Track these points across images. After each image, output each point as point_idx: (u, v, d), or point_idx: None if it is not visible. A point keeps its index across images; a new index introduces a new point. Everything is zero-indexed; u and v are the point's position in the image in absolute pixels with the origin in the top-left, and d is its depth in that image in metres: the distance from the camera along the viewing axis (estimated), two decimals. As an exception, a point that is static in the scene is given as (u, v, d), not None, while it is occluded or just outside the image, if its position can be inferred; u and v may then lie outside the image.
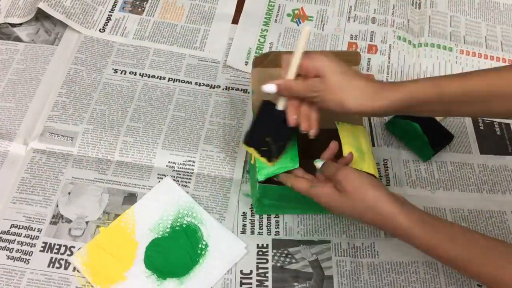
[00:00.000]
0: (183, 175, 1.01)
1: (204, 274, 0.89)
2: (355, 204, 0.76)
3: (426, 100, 0.77)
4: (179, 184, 0.99)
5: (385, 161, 1.06)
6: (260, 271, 0.92)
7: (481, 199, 1.04)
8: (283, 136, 0.84)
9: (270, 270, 0.92)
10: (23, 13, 1.22)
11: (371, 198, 0.75)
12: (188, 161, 1.03)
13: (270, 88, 0.79)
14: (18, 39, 1.19)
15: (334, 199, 0.78)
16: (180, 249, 0.91)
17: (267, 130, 0.84)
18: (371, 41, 1.25)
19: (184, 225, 0.94)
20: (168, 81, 1.14)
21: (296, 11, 1.30)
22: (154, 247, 0.91)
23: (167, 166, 1.02)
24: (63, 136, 1.04)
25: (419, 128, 1.06)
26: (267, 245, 0.94)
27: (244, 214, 0.98)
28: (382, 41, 1.25)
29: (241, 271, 0.91)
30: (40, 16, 1.21)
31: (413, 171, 1.06)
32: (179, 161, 1.02)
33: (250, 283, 0.90)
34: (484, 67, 1.23)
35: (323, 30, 1.26)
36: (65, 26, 1.21)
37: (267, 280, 0.91)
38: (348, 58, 0.94)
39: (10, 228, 0.93)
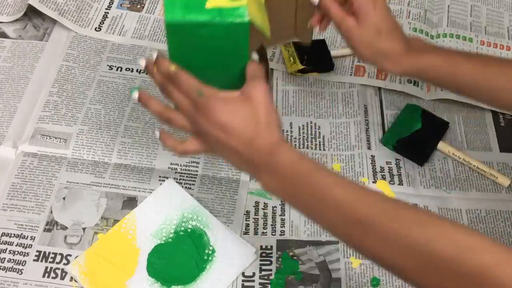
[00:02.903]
0: (187, 176, 1.03)
1: (212, 281, 0.91)
2: (251, 116, 0.76)
3: (441, 77, 0.90)
4: (182, 187, 1.01)
5: (397, 160, 1.09)
6: (263, 273, 0.94)
7: (499, 199, 1.06)
8: None
9: (273, 273, 0.94)
10: (12, 11, 1.25)
11: (271, 115, 0.77)
12: (191, 162, 1.05)
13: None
14: (4, 35, 1.22)
15: (223, 111, 0.77)
16: (185, 255, 0.93)
17: None
18: (386, 33, 1.28)
19: (189, 230, 0.96)
20: (168, 77, 1.17)
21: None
22: (157, 253, 0.93)
23: (169, 168, 1.04)
24: (55, 138, 1.06)
25: (416, 129, 1.12)
26: (271, 246, 0.97)
27: (248, 213, 1.00)
28: (397, 33, 1.28)
29: (243, 274, 0.93)
30: (28, 10, 1.23)
31: (427, 170, 1.08)
32: (182, 162, 1.05)
33: (253, 286, 0.93)
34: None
35: (333, 21, 1.29)
36: (55, 20, 1.23)
37: (270, 283, 0.93)
38: None
39: (1, 236, 0.95)
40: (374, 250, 0.70)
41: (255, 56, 0.84)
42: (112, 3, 1.29)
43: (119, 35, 1.24)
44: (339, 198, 0.71)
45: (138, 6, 1.29)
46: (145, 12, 1.28)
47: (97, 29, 1.24)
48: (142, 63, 0.83)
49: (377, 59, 0.91)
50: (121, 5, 1.29)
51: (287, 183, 0.75)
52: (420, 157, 1.09)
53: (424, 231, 0.66)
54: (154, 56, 0.82)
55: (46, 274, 0.92)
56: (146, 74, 0.85)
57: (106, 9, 1.28)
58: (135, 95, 0.84)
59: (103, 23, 1.25)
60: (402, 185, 1.06)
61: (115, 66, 1.18)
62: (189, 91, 0.79)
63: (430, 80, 0.95)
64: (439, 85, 0.91)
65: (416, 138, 1.10)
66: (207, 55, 0.81)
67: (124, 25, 1.25)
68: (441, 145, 1.09)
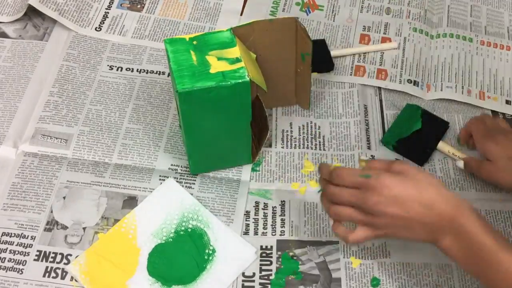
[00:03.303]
0: (187, 176, 1.04)
1: (212, 280, 0.92)
2: (420, 184, 0.79)
3: None
4: (182, 186, 1.02)
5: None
6: (264, 273, 0.94)
7: (499, 199, 1.06)
8: None
9: (274, 273, 0.94)
10: (12, 11, 1.26)
11: (437, 182, 0.81)
12: (192, 162, 1.06)
13: (459, 165, 1.07)
14: (4, 35, 1.23)
15: (395, 184, 0.79)
16: (185, 255, 0.94)
17: None
18: (385, 34, 1.28)
19: (190, 229, 0.96)
20: (168, 76, 1.17)
21: (306, 0, 1.33)
22: (157, 253, 0.94)
23: (169, 169, 1.05)
24: (56, 138, 1.07)
25: (416, 129, 1.12)
26: (271, 246, 0.97)
27: (248, 213, 1.01)
28: (396, 33, 1.28)
29: (243, 274, 0.94)
30: (28, 10, 1.24)
31: (427, 170, 1.08)
32: (182, 164, 1.05)
33: (253, 286, 0.93)
34: (506, 59, 1.27)
35: (334, 20, 1.30)
36: (55, 20, 1.24)
37: (270, 284, 0.93)
38: (283, 27, 1.02)
39: (1, 236, 0.96)
40: None
41: None
42: (112, 3, 1.30)
43: (119, 35, 1.24)
44: None
45: (138, 6, 1.30)
46: (145, 12, 1.29)
47: (97, 29, 1.25)
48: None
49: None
50: (121, 5, 1.30)
51: (472, 254, 0.78)
52: (420, 157, 1.09)
53: None
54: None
55: (47, 274, 0.92)
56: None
57: (106, 9, 1.28)
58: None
59: (103, 23, 1.26)
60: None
61: (116, 66, 1.18)
62: (355, 178, 0.82)
63: None
64: None
65: (416, 138, 1.10)
66: (215, 114, 0.93)
67: (124, 25, 1.26)
68: (441, 145, 1.10)
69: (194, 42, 0.94)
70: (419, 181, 0.80)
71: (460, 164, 1.06)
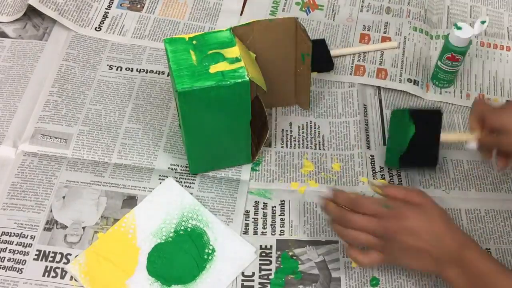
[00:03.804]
0: (187, 176, 1.04)
1: (212, 280, 0.92)
2: (434, 218, 0.86)
3: None
4: (182, 185, 1.02)
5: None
6: (263, 273, 0.95)
7: (499, 199, 1.07)
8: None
9: (273, 272, 0.95)
10: (12, 11, 1.26)
11: (447, 217, 0.88)
12: (191, 162, 1.06)
13: (472, 146, 0.99)
14: (4, 35, 1.23)
15: (413, 216, 0.86)
16: (185, 255, 0.94)
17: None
18: (385, 33, 1.29)
19: (189, 229, 0.97)
20: (168, 75, 1.18)
21: (306, 0, 1.34)
22: (157, 253, 0.94)
23: (169, 168, 1.05)
24: (56, 138, 1.07)
25: (411, 134, 1.02)
26: (271, 246, 0.98)
27: (247, 212, 1.01)
28: (396, 32, 1.29)
29: (242, 273, 0.94)
30: (28, 10, 1.24)
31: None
32: (182, 164, 1.06)
33: (252, 286, 0.93)
34: (506, 60, 1.27)
35: (333, 20, 1.30)
36: (54, 19, 1.24)
37: (270, 283, 0.94)
38: (283, 27, 1.03)
39: (1, 235, 0.96)
40: None
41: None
42: (112, 3, 1.30)
43: (119, 35, 1.25)
44: None
45: (138, 6, 1.30)
46: (145, 12, 1.29)
47: (97, 29, 1.25)
48: (321, 203, 0.92)
49: None
50: (121, 5, 1.30)
51: (475, 282, 0.83)
52: (429, 162, 1.05)
53: None
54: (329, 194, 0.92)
55: (46, 273, 0.93)
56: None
57: (106, 9, 1.29)
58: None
59: (103, 23, 1.26)
60: (402, 184, 1.07)
61: (115, 66, 1.19)
62: (376, 207, 0.87)
63: None
64: None
65: (416, 145, 1.01)
66: (215, 114, 0.94)
67: (124, 25, 1.26)
68: (444, 137, 1.03)
69: (194, 42, 0.95)
70: (432, 214, 0.86)
71: (473, 145, 0.99)
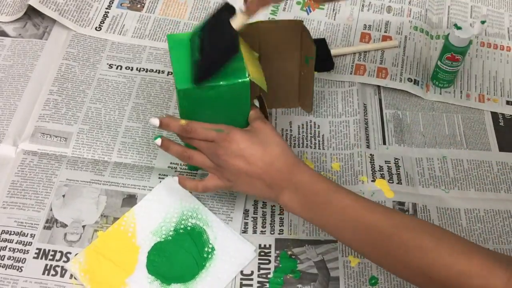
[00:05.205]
0: (186, 175, 1.05)
1: (212, 278, 0.93)
2: (267, 143, 0.87)
3: None
4: (182, 184, 1.03)
5: (396, 160, 1.10)
6: (262, 272, 0.95)
7: (498, 199, 1.07)
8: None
9: (272, 272, 0.95)
10: (12, 11, 1.27)
11: (284, 144, 0.88)
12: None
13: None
14: (4, 34, 1.24)
15: (243, 140, 0.87)
16: (184, 253, 0.95)
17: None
18: (386, 32, 1.29)
19: (189, 228, 0.98)
20: (168, 74, 1.19)
21: (306, -1, 1.35)
22: (157, 251, 0.95)
23: (168, 167, 1.06)
24: (56, 137, 1.08)
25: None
26: (270, 245, 0.98)
27: (247, 211, 1.02)
28: (397, 32, 1.29)
29: (241, 272, 0.95)
30: (28, 9, 1.25)
31: (426, 169, 1.10)
32: (182, 162, 1.06)
33: (251, 285, 0.94)
34: (506, 60, 1.28)
35: (334, 19, 1.31)
36: (54, 19, 1.25)
37: (268, 282, 0.94)
38: (289, 29, 1.04)
39: (1, 234, 0.97)
40: (387, 264, 0.81)
41: (256, 102, 0.97)
42: (112, 2, 1.31)
43: (120, 34, 1.25)
44: (358, 219, 0.81)
45: (138, 6, 1.31)
46: (146, 12, 1.30)
47: (97, 28, 1.26)
48: (156, 122, 0.92)
49: None
50: (121, 4, 1.31)
51: (308, 201, 0.85)
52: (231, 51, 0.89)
53: (425, 257, 0.75)
54: (156, 122, 0.91)
55: (46, 272, 0.93)
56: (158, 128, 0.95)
57: (106, 8, 1.30)
58: (158, 141, 0.93)
59: (103, 22, 1.27)
60: (401, 184, 1.07)
61: (115, 65, 1.19)
62: (207, 133, 0.89)
63: None
64: None
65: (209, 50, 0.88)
66: (214, 112, 0.93)
67: (124, 25, 1.27)
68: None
69: None
70: (266, 140, 0.88)
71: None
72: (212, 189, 0.93)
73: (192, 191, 0.93)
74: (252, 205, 1.03)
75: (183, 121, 0.90)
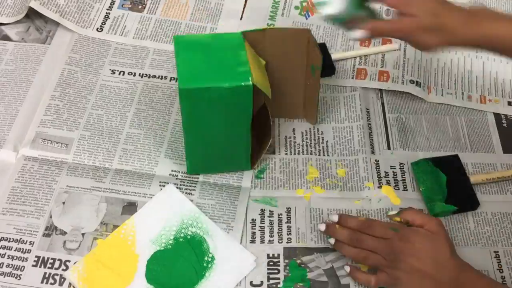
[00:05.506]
0: (187, 182, 1.04)
1: (211, 288, 0.92)
2: (440, 245, 0.89)
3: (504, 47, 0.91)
4: (182, 192, 1.02)
5: (401, 165, 1.09)
6: (271, 282, 0.94)
7: (506, 201, 1.06)
8: None
9: (282, 281, 0.94)
10: (12, 12, 1.26)
11: (452, 246, 0.90)
12: (193, 169, 1.06)
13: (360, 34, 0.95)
14: (6, 38, 1.24)
15: (419, 240, 0.89)
16: (184, 263, 0.94)
17: None
18: (385, 35, 1.28)
19: (189, 237, 0.97)
20: (170, 80, 1.18)
21: (305, 4, 1.34)
22: (156, 260, 0.94)
23: (170, 174, 1.05)
24: (57, 143, 1.07)
25: (444, 180, 1.06)
26: (279, 254, 0.97)
27: (253, 221, 1.01)
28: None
29: (251, 283, 0.94)
30: (31, 13, 1.25)
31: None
32: (183, 170, 1.06)
33: (261, 295, 0.94)
34: (506, 60, 1.26)
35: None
36: (57, 23, 1.25)
37: (278, 292, 0.94)
38: (296, 37, 1.04)
39: (0, 241, 0.96)
40: None
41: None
42: (113, 3, 1.31)
43: (121, 35, 1.25)
44: None
45: (140, 7, 1.31)
46: (147, 13, 1.30)
47: (98, 29, 1.26)
48: (322, 228, 0.97)
49: None
50: (122, 5, 1.31)
51: None
52: (473, 204, 1.05)
53: None
54: (335, 218, 0.96)
55: (45, 280, 0.93)
56: (324, 233, 0.99)
57: (108, 9, 1.29)
58: (330, 241, 0.97)
59: (105, 23, 1.27)
60: (407, 190, 1.06)
61: (118, 70, 1.19)
62: (385, 230, 0.92)
63: (491, 49, 0.94)
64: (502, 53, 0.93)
65: (454, 186, 1.05)
66: (215, 114, 0.94)
67: (125, 26, 1.27)
68: (474, 179, 1.07)
69: (204, 42, 0.96)
70: (439, 242, 0.89)
71: (357, 34, 0.95)
72: (383, 285, 0.93)
73: (363, 284, 0.95)
74: (259, 214, 1.02)
75: (363, 218, 0.95)
